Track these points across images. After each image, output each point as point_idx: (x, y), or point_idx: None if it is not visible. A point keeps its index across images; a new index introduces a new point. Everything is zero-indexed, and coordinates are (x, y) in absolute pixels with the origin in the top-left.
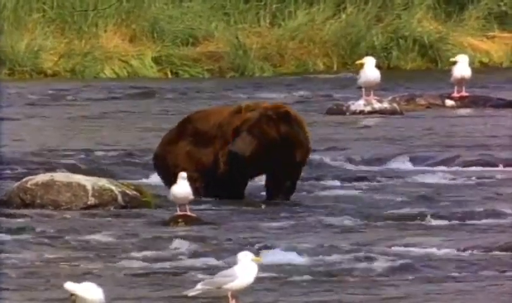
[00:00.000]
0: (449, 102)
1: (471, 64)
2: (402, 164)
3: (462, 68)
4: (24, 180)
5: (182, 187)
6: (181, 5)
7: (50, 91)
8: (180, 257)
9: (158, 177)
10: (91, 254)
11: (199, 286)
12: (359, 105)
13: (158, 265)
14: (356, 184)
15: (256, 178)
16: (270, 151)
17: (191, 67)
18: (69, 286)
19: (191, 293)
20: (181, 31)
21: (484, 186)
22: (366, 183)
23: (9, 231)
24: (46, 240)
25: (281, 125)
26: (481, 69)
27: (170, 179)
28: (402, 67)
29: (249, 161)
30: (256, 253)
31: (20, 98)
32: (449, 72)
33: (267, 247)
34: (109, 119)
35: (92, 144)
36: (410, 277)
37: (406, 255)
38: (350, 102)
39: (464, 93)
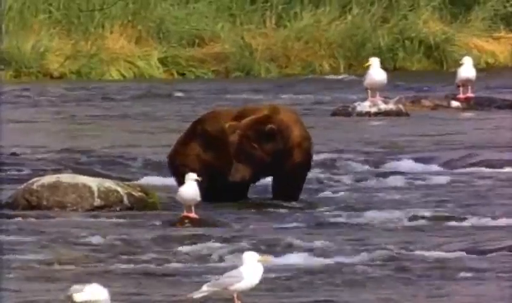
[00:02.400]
0: (454, 103)
1: (477, 65)
2: (408, 165)
3: (467, 69)
4: (30, 181)
5: (190, 188)
6: (186, 6)
7: (56, 93)
8: (186, 258)
9: (171, 177)
10: (97, 255)
11: (205, 287)
12: (365, 106)
13: (164, 266)
14: (361, 184)
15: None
16: (265, 167)
17: (197, 68)
18: (78, 298)
19: (196, 295)
20: (187, 32)
21: (490, 187)
22: (372, 184)
23: (15, 232)
24: (52, 242)
25: (265, 144)
26: (487, 69)
27: (180, 180)
28: (408, 68)
29: (251, 180)
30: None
31: (26, 99)
32: (454, 74)
33: (273, 248)
34: (114, 120)
35: (98, 145)
36: (416, 278)
37: (413, 256)
38: (356, 103)
39: (469, 94)
